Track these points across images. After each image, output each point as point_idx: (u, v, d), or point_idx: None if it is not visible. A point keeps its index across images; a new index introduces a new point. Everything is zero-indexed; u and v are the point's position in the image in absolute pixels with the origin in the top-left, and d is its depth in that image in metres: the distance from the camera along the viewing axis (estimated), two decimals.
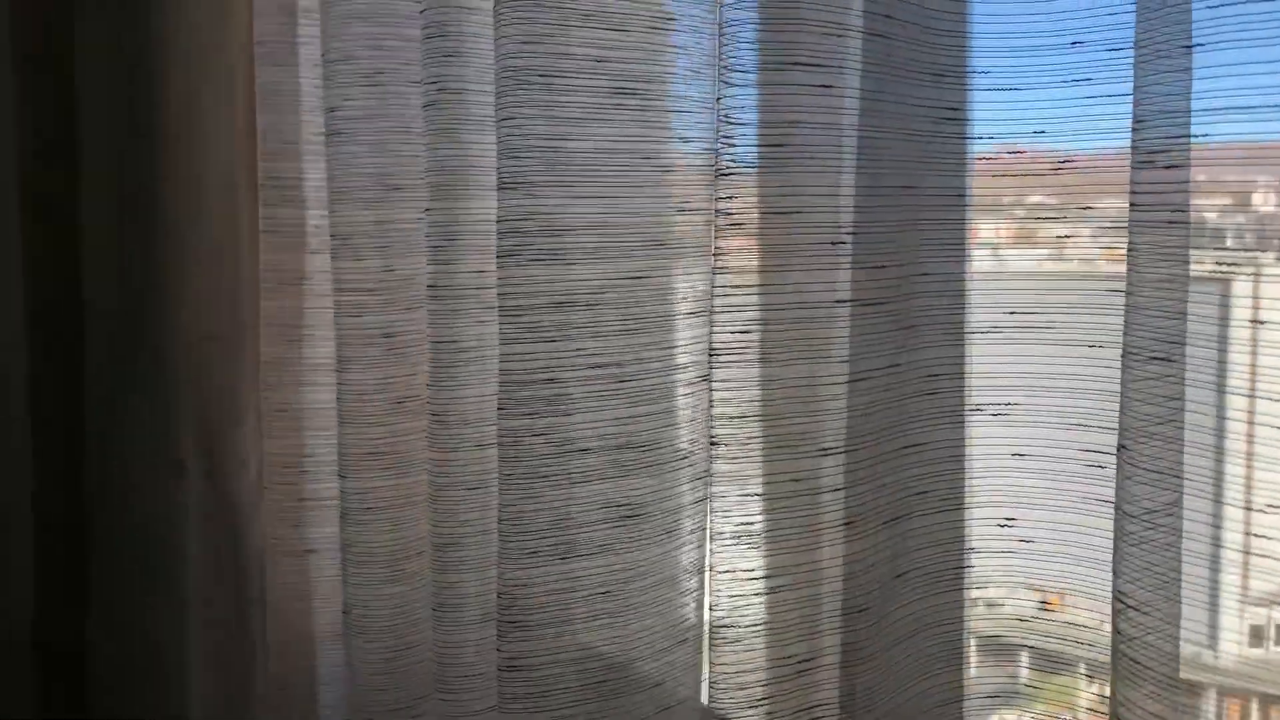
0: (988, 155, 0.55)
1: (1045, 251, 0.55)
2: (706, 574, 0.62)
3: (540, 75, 0.52)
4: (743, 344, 0.48)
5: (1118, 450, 0.47)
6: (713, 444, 0.50)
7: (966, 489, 0.55)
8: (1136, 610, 0.46)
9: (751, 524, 0.49)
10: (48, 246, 0.85)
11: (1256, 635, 0.48)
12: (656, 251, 0.56)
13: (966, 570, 0.56)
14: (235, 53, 0.81)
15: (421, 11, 0.61)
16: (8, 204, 0.85)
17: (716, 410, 0.49)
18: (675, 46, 0.56)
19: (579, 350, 0.54)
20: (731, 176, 0.48)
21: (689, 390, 0.58)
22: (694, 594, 0.61)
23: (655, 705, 0.59)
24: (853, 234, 0.49)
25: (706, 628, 0.63)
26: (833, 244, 0.48)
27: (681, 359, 0.57)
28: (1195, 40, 0.43)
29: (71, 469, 0.85)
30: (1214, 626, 0.48)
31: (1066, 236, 0.54)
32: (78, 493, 0.85)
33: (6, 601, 0.87)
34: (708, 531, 0.61)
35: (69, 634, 0.86)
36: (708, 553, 0.62)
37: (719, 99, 0.49)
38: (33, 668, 0.87)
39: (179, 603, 0.82)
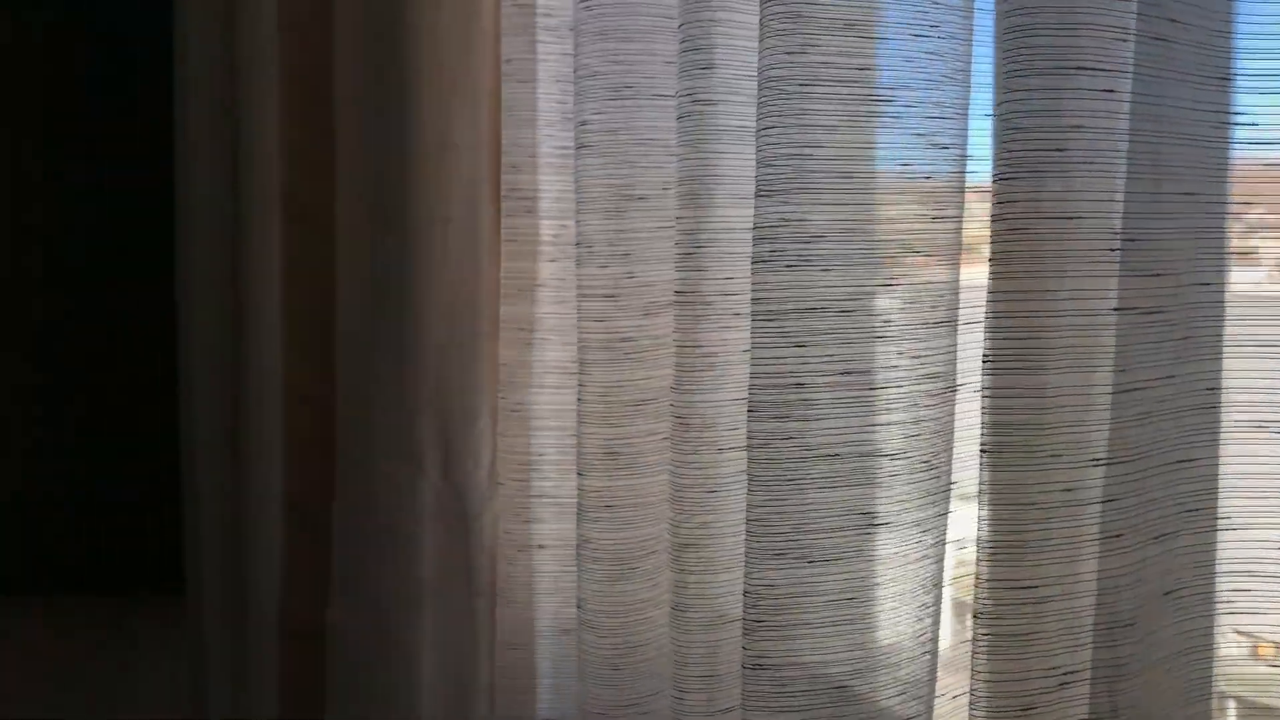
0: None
1: None
2: (946, 588, 0.62)
3: (799, 84, 0.53)
4: (1016, 351, 0.48)
5: None
6: (983, 452, 0.49)
7: (1243, 509, 0.52)
8: None
9: (1021, 532, 0.48)
10: (305, 253, 0.92)
11: None
12: (908, 259, 0.56)
13: (1240, 594, 0.53)
14: (482, 71, 0.86)
15: (679, 27, 0.63)
16: (271, 214, 0.93)
17: (987, 418, 0.49)
18: (932, 53, 0.56)
19: (828, 356, 0.54)
20: (1007, 181, 0.47)
21: (936, 400, 0.57)
22: (932, 609, 0.60)
23: (892, 718, 0.58)
24: (1130, 240, 0.48)
25: (943, 642, 0.62)
26: (1110, 250, 0.47)
27: (930, 368, 0.57)
28: None
29: (324, 461, 0.92)
30: None
31: None
32: (326, 483, 0.92)
33: (258, 585, 0.95)
34: (948, 545, 0.60)
35: (312, 617, 0.93)
36: (949, 566, 0.61)
37: (998, 104, 0.48)
38: (279, 648, 0.94)
39: (414, 592, 0.87)
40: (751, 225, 0.56)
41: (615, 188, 0.71)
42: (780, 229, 0.54)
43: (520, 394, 0.84)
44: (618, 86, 0.70)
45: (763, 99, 0.54)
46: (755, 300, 0.54)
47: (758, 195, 0.54)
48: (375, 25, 0.87)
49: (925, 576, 0.59)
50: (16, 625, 1.34)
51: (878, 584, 0.56)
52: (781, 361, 0.54)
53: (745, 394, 0.58)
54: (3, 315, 1.40)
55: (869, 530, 0.56)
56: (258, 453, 0.94)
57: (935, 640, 0.60)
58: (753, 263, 0.54)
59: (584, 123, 0.71)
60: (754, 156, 0.56)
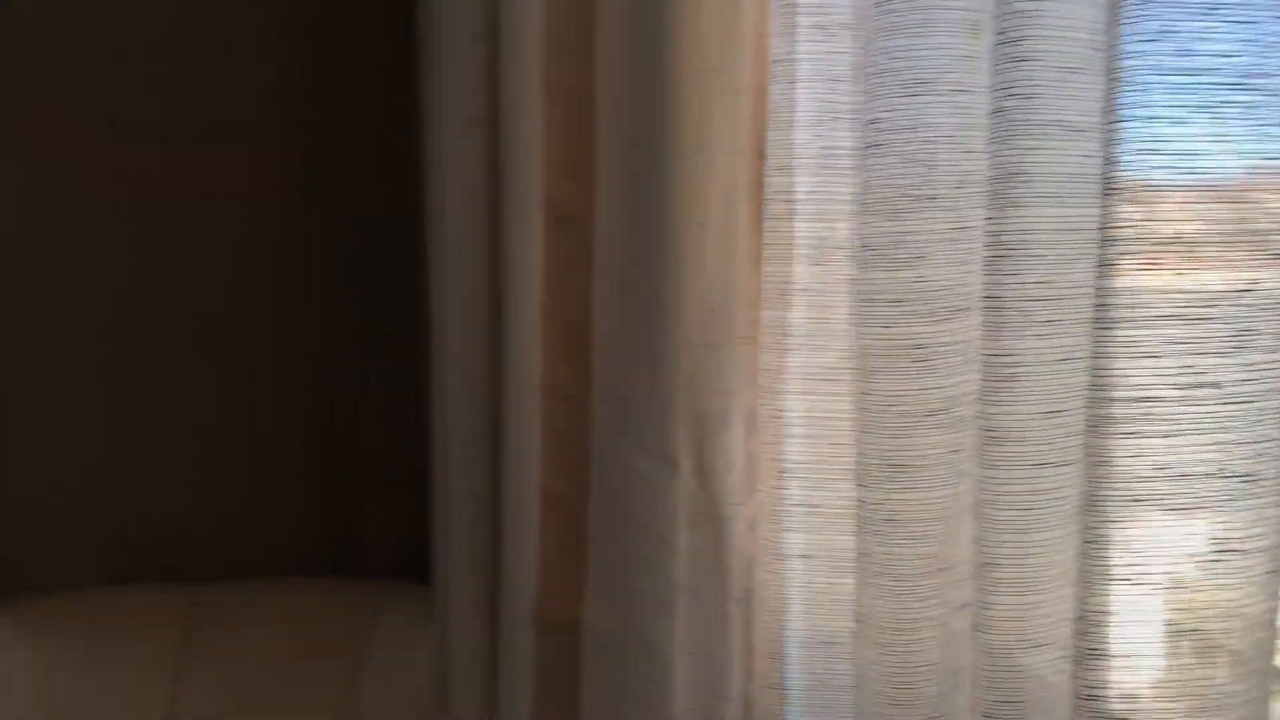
0: None
1: None
2: None
3: (1157, 74, 0.49)
4: None
5: None
6: None
7: None
8: None
9: None
10: (565, 257, 0.94)
11: None
12: (1269, 262, 0.51)
13: None
14: (743, 72, 0.85)
15: (993, 19, 0.60)
16: (532, 218, 0.94)
17: None
18: None
19: (1183, 368, 0.50)
20: None
21: None
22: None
23: None
24: None
25: None
26: None
27: None
28: None
29: (580, 458, 0.93)
30: None
31: None
32: (582, 480, 0.93)
33: (514, 578, 0.97)
34: None
35: (566, 611, 0.94)
36: None
37: None
38: (534, 641, 0.96)
39: (667, 592, 0.87)
40: (1069, 227, 0.53)
41: (904, 187, 0.68)
42: (1126, 229, 0.50)
43: (781, 400, 0.82)
44: (910, 83, 0.67)
45: (1113, 89, 0.50)
46: (1099, 307, 0.51)
47: (1105, 194, 0.51)
48: (635, 30, 0.87)
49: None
50: (265, 610, 1.42)
51: (1230, 614, 0.51)
52: (1133, 374, 0.50)
53: (1058, 406, 0.55)
54: (257, 316, 1.49)
55: (1222, 557, 0.51)
56: (515, 449, 0.96)
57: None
58: (1099, 265, 0.51)
59: (874, 120, 0.69)
60: (1069, 152, 0.53)
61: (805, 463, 0.83)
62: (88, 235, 1.46)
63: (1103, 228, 0.51)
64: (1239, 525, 0.52)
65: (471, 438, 1.08)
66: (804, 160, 0.82)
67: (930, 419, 0.68)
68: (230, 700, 1.36)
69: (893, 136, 0.68)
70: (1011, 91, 0.59)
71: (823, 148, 0.81)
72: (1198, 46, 0.49)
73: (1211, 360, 0.51)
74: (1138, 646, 0.52)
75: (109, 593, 1.44)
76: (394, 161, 1.51)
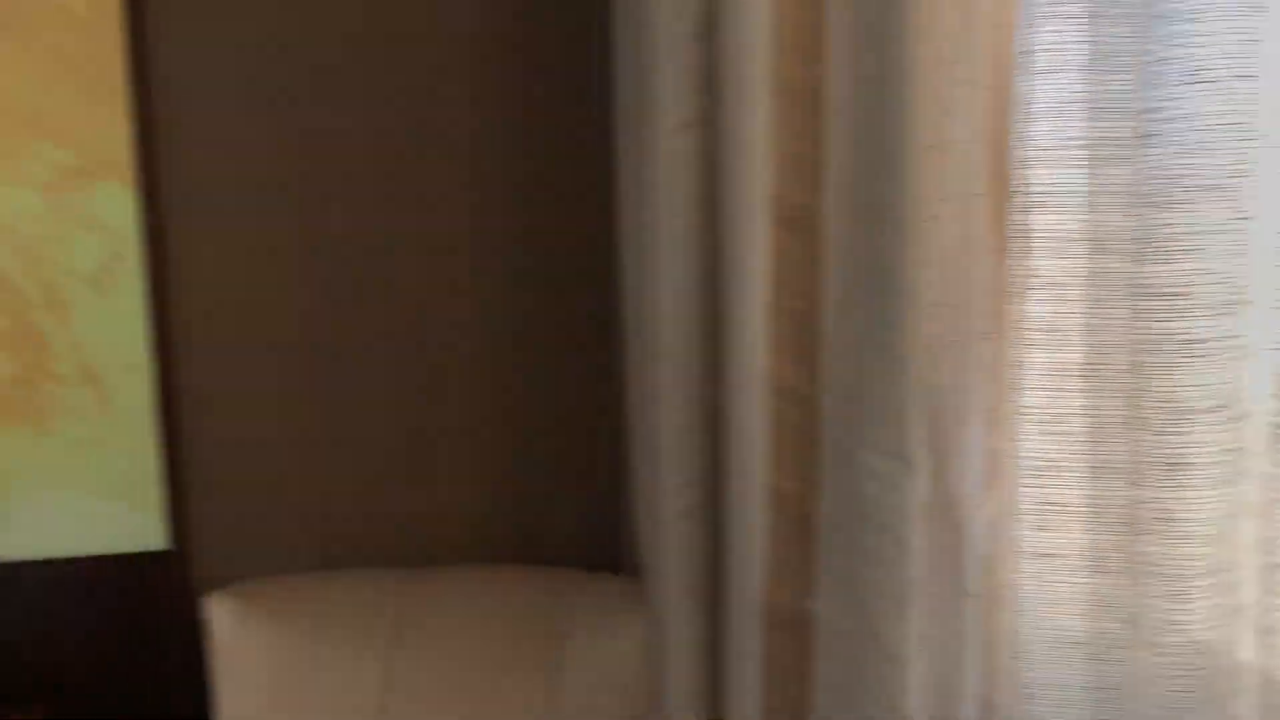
0: None
1: None
2: None
3: None
4: None
5: None
6: None
7: None
8: None
9: None
10: (791, 254, 0.95)
11: None
12: None
13: None
14: (983, 65, 0.84)
15: None
16: (757, 217, 0.96)
17: None
18: None
19: None
20: None
21: None
22: None
23: None
24: None
25: None
26: None
27: None
28: None
29: (807, 453, 0.94)
30: None
31: None
32: (809, 476, 0.94)
33: (739, 572, 0.98)
34: None
35: (794, 603, 0.95)
36: None
37: None
38: (761, 635, 0.97)
39: (902, 589, 0.87)
40: None
41: (1181, 177, 0.66)
42: None
43: (1030, 397, 0.81)
44: (1191, 71, 0.65)
45: None
46: None
47: None
48: (870, 27, 0.87)
49: None
50: (469, 595, 1.48)
51: None
52: None
53: None
54: (456, 315, 1.56)
55: None
56: (739, 445, 0.97)
57: None
58: None
59: (1149, 110, 0.67)
60: None
61: (1046, 460, 0.82)
62: (301, 237, 1.55)
63: None
64: None
65: (683, 434, 1.11)
66: (1042, 152, 0.81)
67: (1206, 416, 0.66)
68: (439, 681, 1.41)
69: (1171, 126, 0.66)
70: None
71: (1060, 139, 0.80)
72: None
73: None
74: None
75: (324, 577, 1.52)
76: (583, 162, 1.55)
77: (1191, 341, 0.65)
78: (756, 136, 0.95)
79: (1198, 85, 0.65)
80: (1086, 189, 0.76)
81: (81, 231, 1.46)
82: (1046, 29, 0.81)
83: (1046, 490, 0.80)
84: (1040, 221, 0.80)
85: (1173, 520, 0.67)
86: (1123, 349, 0.70)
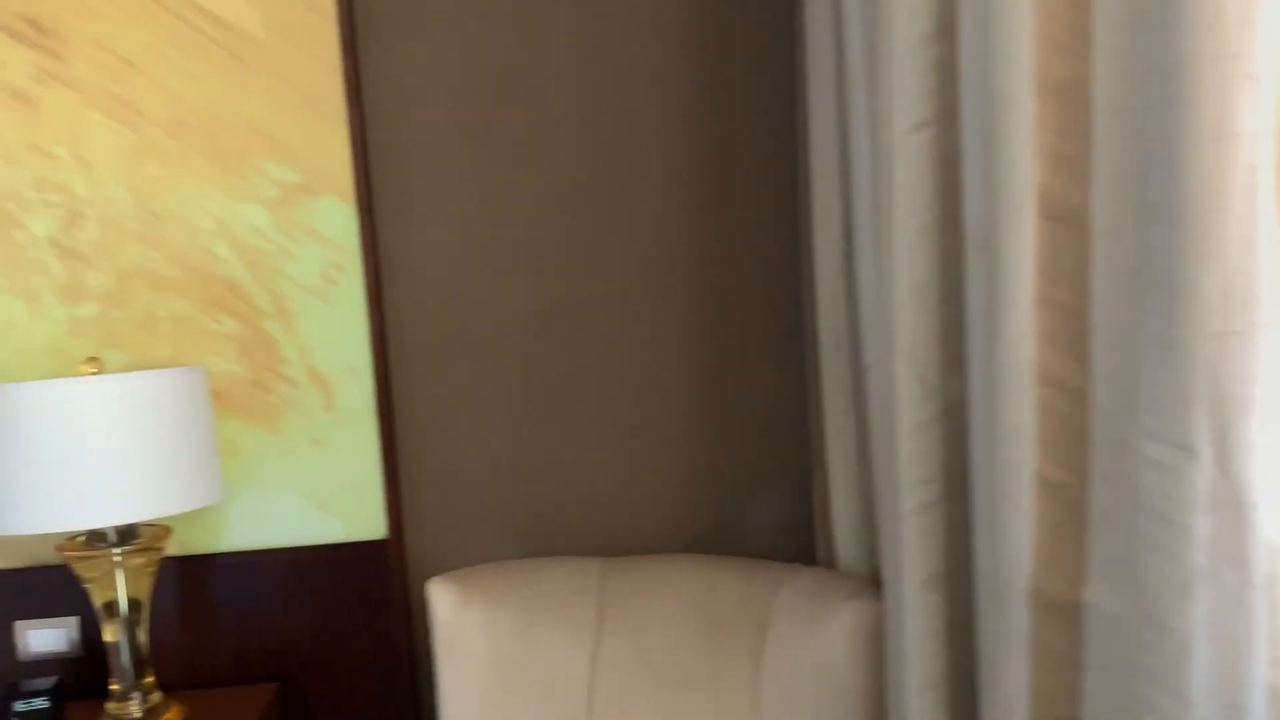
0: None
1: None
2: None
3: None
4: None
5: None
6: None
7: None
8: None
9: None
10: (1059, 247, 0.96)
11: None
12: None
13: None
14: (1260, 58, 0.84)
15: None
16: (1023, 212, 0.97)
17: None
18: None
19: None
20: None
21: None
22: None
23: None
24: None
25: None
26: None
27: None
28: None
29: (1076, 443, 0.95)
30: None
31: None
32: (1077, 465, 0.95)
33: (1006, 558, 1.00)
34: None
35: (1064, 589, 0.97)
36: None
37: None
38: (1029, 620, 0.99)
39: (1184, 576, 0.88)
40: None
41: None
42: None
43: None
44: None
45: None
46: None
47: None
48: (1143, 22, 0.88)
49: None
50: (671, 583, 1.52)
51: None
52: None
53: None
54: (666, 317, 1.61)
55: None
56: (1002, 436, 0.99)
57: None
58: None
59: None
60: None
61: None
62: (508, 247, 1.62)
63: None
64: None
65: (923, 427, 1.13)
66: None
67: None
68: (644, 662, 1.46)
69: None
70: None
71: None
72: None
73: None
74: None
75: (535, 563, 1.59)
76: (772, 175, 1.59)
77: None
78: (1019, 134, 0.96)
79: None
80: None
81: (305, 244, 1.56)
82: None
83: None
84: None
85: None
86: None
